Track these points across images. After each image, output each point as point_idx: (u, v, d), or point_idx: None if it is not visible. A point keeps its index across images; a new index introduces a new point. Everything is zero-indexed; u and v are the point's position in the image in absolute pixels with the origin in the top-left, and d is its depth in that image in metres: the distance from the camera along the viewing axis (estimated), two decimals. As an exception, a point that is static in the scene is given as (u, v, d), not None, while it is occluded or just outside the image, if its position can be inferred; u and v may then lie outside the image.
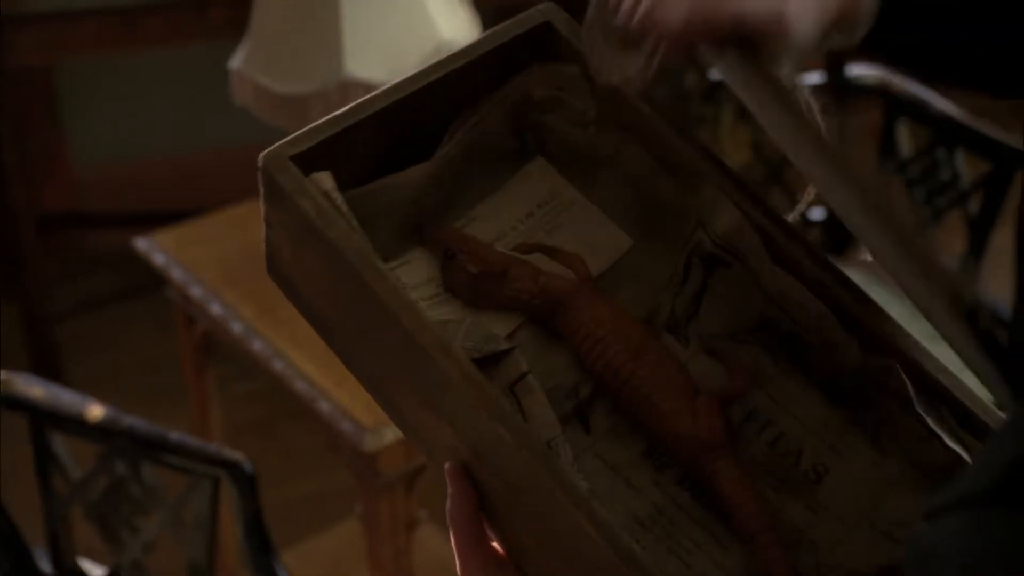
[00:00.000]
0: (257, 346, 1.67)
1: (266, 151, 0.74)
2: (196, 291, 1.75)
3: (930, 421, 0.72)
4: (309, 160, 0.74)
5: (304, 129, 0.75)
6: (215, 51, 2.11)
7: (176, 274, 1.78)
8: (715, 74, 2.01)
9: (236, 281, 1.75)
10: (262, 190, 0.75)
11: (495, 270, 0.77)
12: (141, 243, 1.83)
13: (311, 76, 1.61)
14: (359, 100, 0.76)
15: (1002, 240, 2.00)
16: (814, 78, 2.02)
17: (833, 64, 2.02)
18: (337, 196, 0.73)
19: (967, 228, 1.94)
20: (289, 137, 0.74)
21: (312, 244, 0.74)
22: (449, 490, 0.71)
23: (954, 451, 0.71)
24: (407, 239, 0.79)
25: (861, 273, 1.91)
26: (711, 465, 0.73)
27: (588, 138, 0.81)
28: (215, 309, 1.73)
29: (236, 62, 1.69)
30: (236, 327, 1.70)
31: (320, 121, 0.75)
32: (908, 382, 0.73)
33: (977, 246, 1.92)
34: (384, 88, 0.77)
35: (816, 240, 2.08)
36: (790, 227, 0.77)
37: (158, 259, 1.80)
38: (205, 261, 1.79)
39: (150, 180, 2.77)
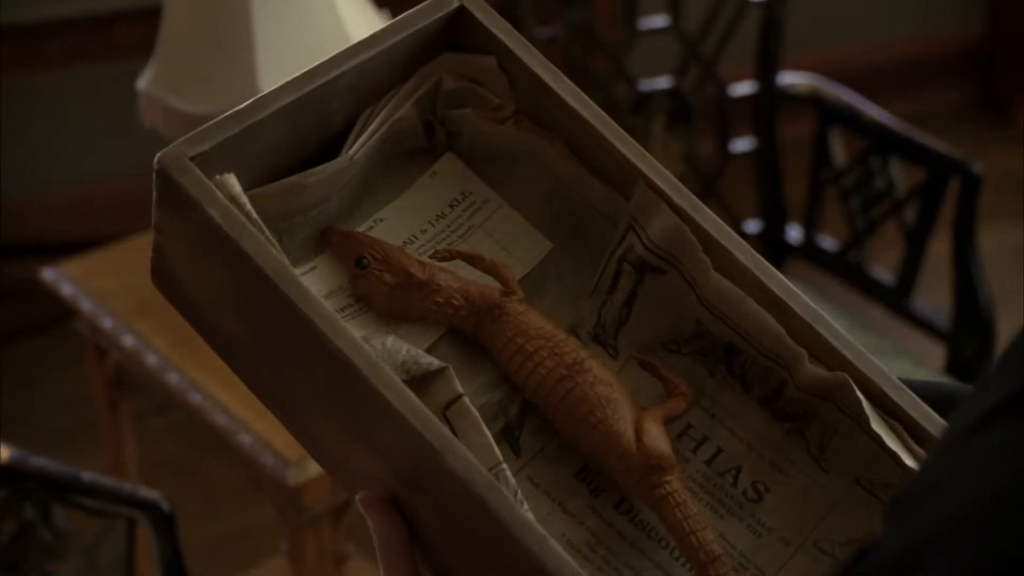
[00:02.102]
0: (172, 378, 1.66)
1: (162, 151, 0.69)
2: (107, 322, 1.74)
3: (885, 439, 0.70)
4: (210, 161, 0.70)
5: (204, 127, 0.70)
6: (121, 71, 2.10)
7: (85, 305, 1.76)
8: (645, 85, 2.03)
9: (149, 311, 1.73)
10: (156, 194, 0.71)
11: (414, 281, 0.73)
12: (47, 273, 1.81)
13: (223, 94, 1.61)
14: (262, 94, 0.72)
15: (939, 249, 2.04)
16: (745, 88, 2.05)
17: (764, 73, 2.05)
18: (246, 202, 0.69)
19: (904, 238, 1.97)
20: (187, 136, 0.70)
21: (218, 256, 0.69)
22: (369, 522, 0.68)
23: (911, 469, 0.70)
24: (310, 245, 0.75)
25: (799, 287, 1.93)
26: (659, 488, 0.70)
27: (504, 134, 0.77)
28: (127, 341, 1.71)
29: (143, 82, 1.68)
30: (150, 359, 1.68)
31: (220, 117, 0.71)
32: (863, 398, 0.71)
33: (914, 256, 1.95)
34: (289, 81, 0.73)
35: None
36: (732, 234, 0.74)
37: (66, 290, 1.78)
38: (116, 291, 1.77)
39: (55, 207, 2.74)
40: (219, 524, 2.24)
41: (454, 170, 0.79)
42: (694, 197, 0.75)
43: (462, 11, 0.77)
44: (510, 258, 0.77)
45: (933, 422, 0.71)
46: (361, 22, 1.63)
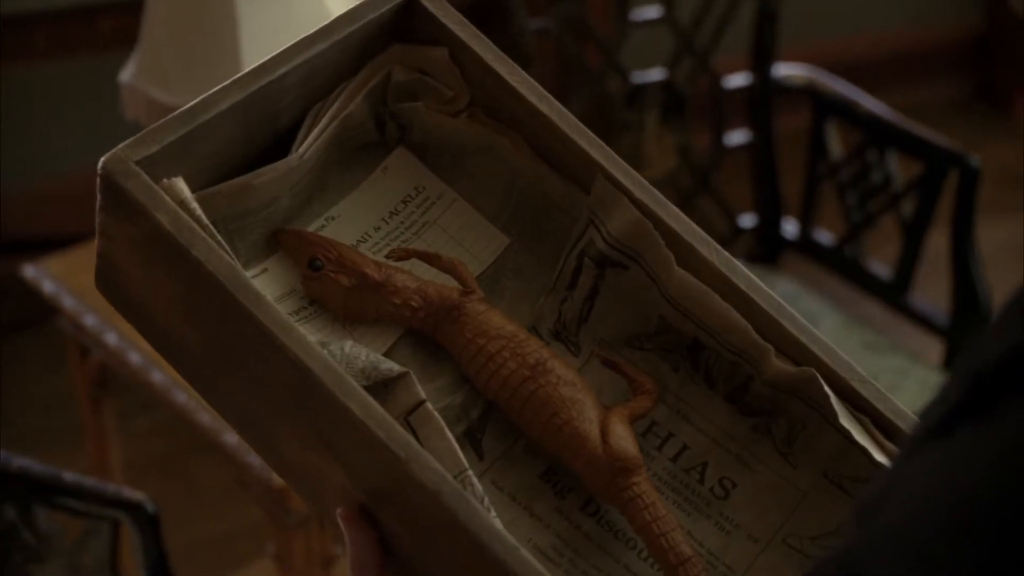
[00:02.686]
0: (157, 377, 1.65)
1: (106, 155, 0.68)
2: (90, 320, 1.73)
3: (854, 434, 0.71)
4: (157, 164, 0.69)
5: (149, 128, 0.69)
6: (104, 63, 2.09)
7: (67, 303, 1.76)
8: (638, 77, 2.03)
9: (133, 308, 1.73)
10: (100, 199, 0.70)
11: (370, 282, 0.73)
12: (29, 270, 1.80)
13: (208, 86, 1.60)
14: (208, 93, 0.71)
15: (937, 243, 2.04)
16: (740, 80, 2.05)
17: (759, 64, 2.04)
18: (195, 207, 0.68)
19: (901, 232, 1.97)
20: (133, 138, 0.69)
21: (168, 262, 0.69)
22: (346, 538, 0.68)
23: (880, 463, 0.70)
24: (261, 246, 0.74)
25: (795, 282, 1.92)
26: (627, 491, 0.70)
27: (458, 127, 0.77)
28: (110, 339, 1.71)
29: (126, 75, 1.67)
30: (134, 358, 1.68)
31: (167, 119, 0.70)
32: (831, 392, 0.71)
33: (912, 250, 1.95)
34: (237, 78, 0.72)
35: (747, 249, 2.10)
36: (695, 228, 0.74)
37: (47, 287, 1.78)
38: (99, 288, 1.77)
39: (37, 202, 2.74)
40: (205, 526, 2.23)
41: (407, 165, 0.78)
42: (656, 191, 0.75)
43: (414, 2, 0.76)
44: (466, 254, 0.76)
45: (901, 416, 0.72)
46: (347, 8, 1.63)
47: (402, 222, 0.77)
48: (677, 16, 2.00)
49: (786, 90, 2.05)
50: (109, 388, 1.84)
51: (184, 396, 1.62)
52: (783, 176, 2.10)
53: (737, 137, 2.07)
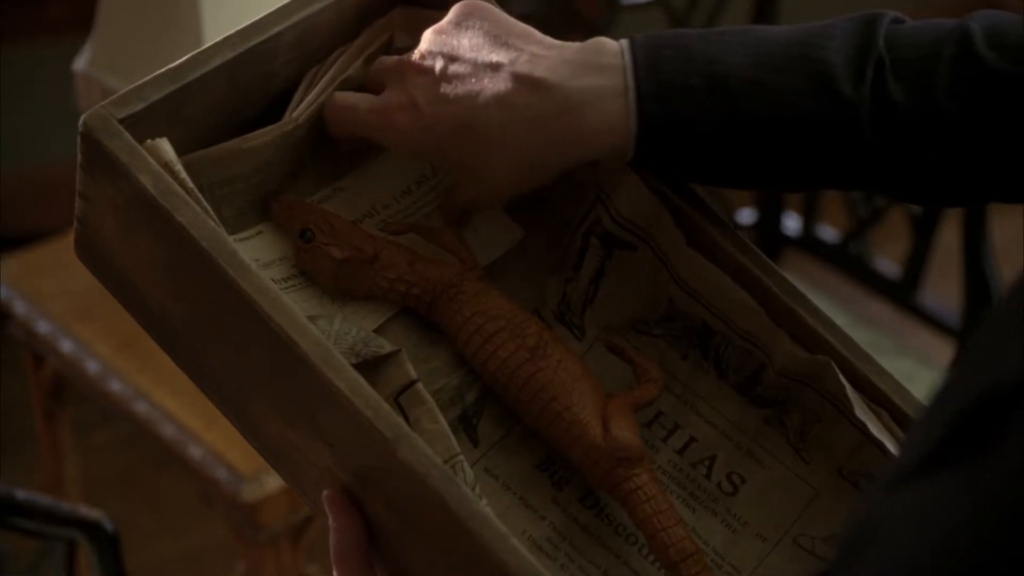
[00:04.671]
0: (116, 387, 1.65)
1: (88, 112, 0.68)
2: (44, 326, 1.73)
3: (870, 427, 0.71)
4: (141, 123, 0.69)
5: (135, 85, 0.70)
6: (56, 51, 2.08)
7: (20, 308, 1.75)
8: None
9: (90, 314, 1.72)
10: (81, 159, 0.70)
11: (363, 256, 0.73)
12: (-23, 273, 1.80)
13: (169, 76, 1.60)
14: (197, 51, 0.71)
15: (948, 239, 2.04)
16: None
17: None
18: (180, 170, 0.68)
19: (911, 227, 1.97)
20: (116, 95, 0.69)
21: (150, 227, 0.69)
22: (332, 522, 0.68)
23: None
24: (251, 215, 0.74)
25: (797, 281, 1.93)
26: (628, 482, 0.70)
27: None
28: (66, 346, 1.70)
29: (80, 63, 1.67)
30: (91, 366, 1.67)
31: (153, 75, 0.70)
32: (846, 382, 0.72)
33: (921, 247, 1.95)
34: (228, 36, 0.72)
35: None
36: (708, 207, 0.75)
37: (-2, 291, 1.77)
38: (53, 292, 1.76)
39: (-13, 200, 2.72)
40: (169, 544, 2.22)
41: None
42: None
43: None
44: (479, 243, 0.77)
45: (920, 409, 0.72)
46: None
47: (414, 202, 0.77)
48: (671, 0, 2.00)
49: (786, 76, 2.05)
50: (65, 398, 1.83)
51: (145, 406, 1.62)
52: (783, 168, 2.10)
53: (734, 127, 2.07)
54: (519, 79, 0.71)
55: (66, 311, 1.74)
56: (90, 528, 1.38)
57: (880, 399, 0.72)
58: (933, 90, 0.72)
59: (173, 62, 0.71)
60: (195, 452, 1.57)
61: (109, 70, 1.64)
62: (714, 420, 0.75)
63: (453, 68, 0.72)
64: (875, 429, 0.71)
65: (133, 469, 2.36)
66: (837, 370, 0.72)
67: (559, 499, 0.73)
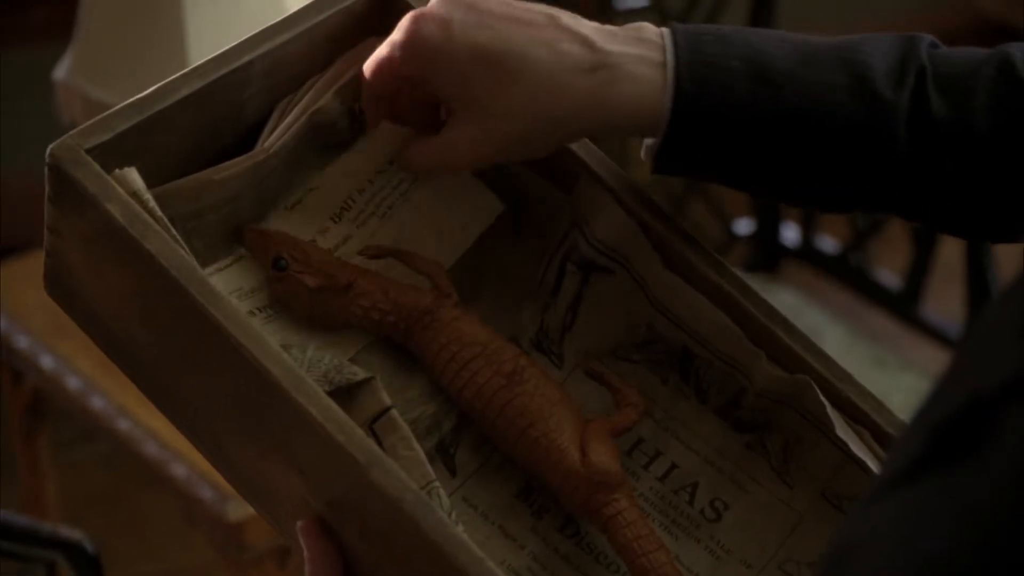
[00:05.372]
0: (97, 403, 1.64)
1: (55, 143, 0.69)
2: (23, 341, 1.73)
3: (851, 445, 0.71)
4: (109, 153, 0.70)
5: (102, 116, 0.71)
6: (37, 59, 2.08)
7: (-2, 322, 1.74)
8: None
9: (70, 329, 1.71)
10: (49, 191, 0.70)
11: (336, 283, 0.74)
12: (-46, 287, 1.79)
13: (151, 83, 1.59)
14: (166, 80, 0.72)
15: (950, 251, 2.04)
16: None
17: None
18: (149, 198, 0.69)
19: (911, 238, 1.97)
20: (83, 126, 0.70)
21: (119, 257, 0.70)
22: (306, 553, 0.68)
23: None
24: (222, 247, 0.75)
25: (795, 293, 1.91)
26: (607, 508, 0.71)
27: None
28: (46, 362, 1.70)
29: (61, 72, 1.67)
30: (72, 382, 1.67)
31: (121, 105, 0.71)
32: (826, 402, 0.72)
33: (923, 258, 1.95)
34: (196, 66, 0.73)
35: (743, 257, 2.10)
36: (684, 230, 0.76)
37: (-25, 305, 1.77)
38: (33, 306, 1.75)
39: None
40: (151, 566, 2.23)
41: (392, 131, 0.79)
42: (644, 192, 0.76)
43: None
44: (455, 219, 0.77)
45: (901, 428, 0.73)
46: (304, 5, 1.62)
47: (388, 180, 0.78)
48: (666, 3, 2.00)
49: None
50: (44, 416, 1.83)
51: (128, 424, 1.62)
52: (781, 178, 2.10)
53: (731, 135, 2.07)
54: (564, 29, 0.73)
55: (46, 326, 1.74)
56: (70, 549, 1.37)
57: (861, 418, 0.73)
58: (972, 107, 0.73)
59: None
60: (179, 471, 1.57)
61: (90, 79, 1.64)
62: (696, 446, 0.76)
63: (492, 4, 0.73)
64: (856, 448, 0.72)
65: (115, 488, 2.36)
66: (817, 390, 0.72)
67: (539, 528, 0.73)
